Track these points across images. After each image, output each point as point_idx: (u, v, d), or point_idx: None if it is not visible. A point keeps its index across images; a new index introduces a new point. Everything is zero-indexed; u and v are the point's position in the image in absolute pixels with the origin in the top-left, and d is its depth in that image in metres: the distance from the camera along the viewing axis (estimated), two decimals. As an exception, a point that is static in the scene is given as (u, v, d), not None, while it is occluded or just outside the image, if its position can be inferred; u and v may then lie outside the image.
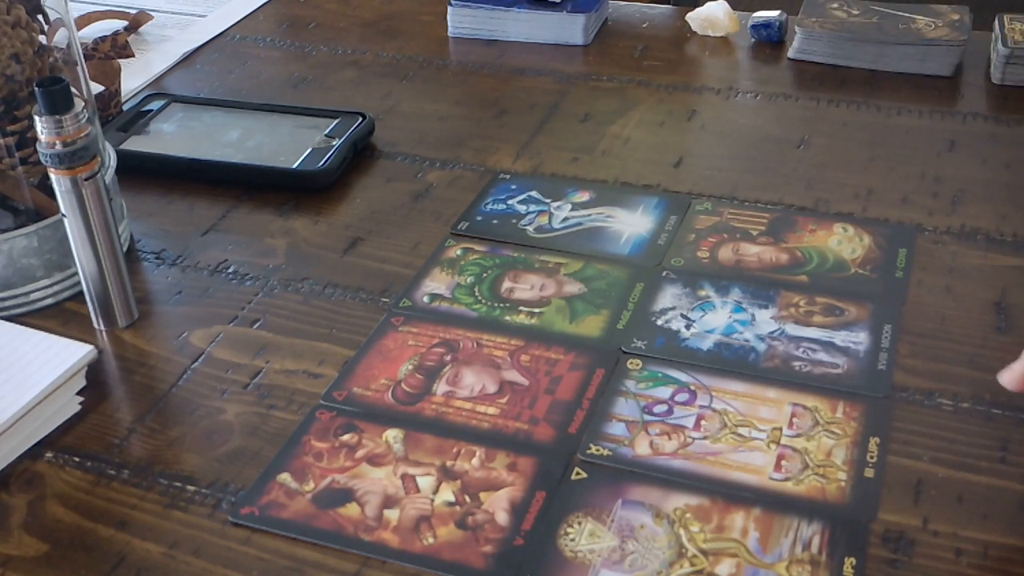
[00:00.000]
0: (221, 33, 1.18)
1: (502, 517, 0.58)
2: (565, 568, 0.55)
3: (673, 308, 0.73)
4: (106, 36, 1.10)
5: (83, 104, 0.68)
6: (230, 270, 0.79)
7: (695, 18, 1.13)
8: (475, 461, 0.62)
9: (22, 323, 0.71)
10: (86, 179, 0.68)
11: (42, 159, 0.67)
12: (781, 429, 0.63)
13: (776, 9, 1.11)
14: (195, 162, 0.90)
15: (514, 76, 1.07)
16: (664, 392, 0.66)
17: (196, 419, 0.66)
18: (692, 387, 0.66)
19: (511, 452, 0.62)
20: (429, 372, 0.68)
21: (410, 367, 0.69)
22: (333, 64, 1.10)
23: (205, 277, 0.79)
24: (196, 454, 0.64)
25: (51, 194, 0.70)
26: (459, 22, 1.15)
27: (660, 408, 0.65)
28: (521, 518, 0.58)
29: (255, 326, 0.74)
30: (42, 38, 0.75)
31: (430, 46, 1.14)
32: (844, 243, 0.79)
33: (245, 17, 1.22)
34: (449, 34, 1.15)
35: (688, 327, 0.71)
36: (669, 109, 1.00)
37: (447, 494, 0.60)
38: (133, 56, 1.10)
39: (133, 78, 1.07)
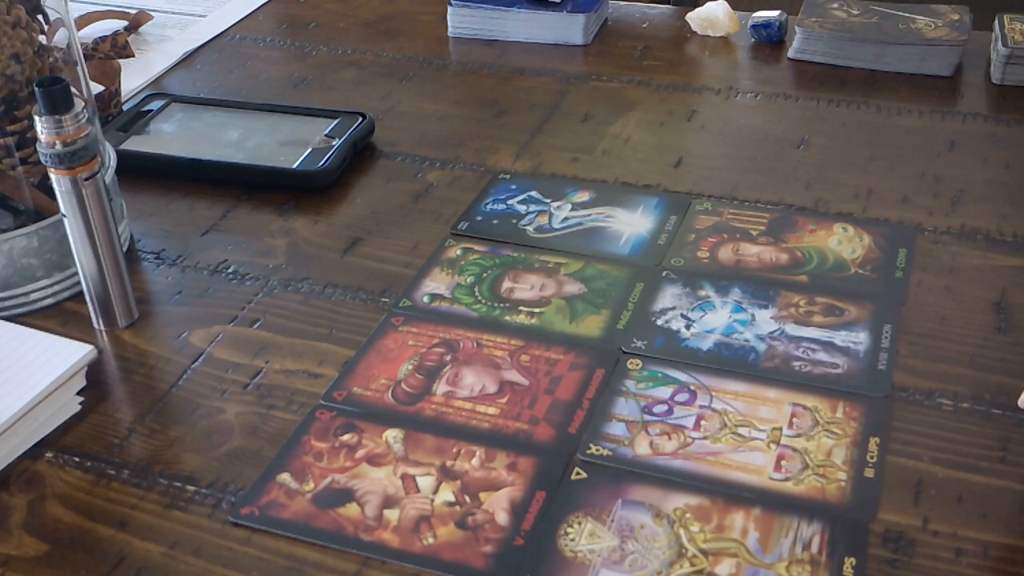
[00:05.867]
0: (221, 33, 1.18)
1: (502, 517, 0.58)
2: (565, 568, 0.55)
3: (673, 308, 0.73)
4: (106, 36, 1.10)
5: (83, 104, 0.68)
6: (230, 270, 0.79)
7: (695, 18, 1.13)
8: (475, 461, 0.62)
9: (22, 323, 0.71)
10: (86, 179, 0.68)
11: (42, 159, 0.67)
12: (781, 429, 0.63)
13: (776, 9, 1.11)
14: (195, 162, 0.90)
15: (514, 76, 1.07)
16: (664, 392, 0.66)
17: (196, 419, 0.66)
18: (692, 387, 0.66)
19: (511, 452, 0.62)
20: (429, 372, 0.68)
21: (410, 367, 0.69)
22: (333, 64, 1.10)
23: (205, 277, 0.79)
24: (196, 454, 0.64)
25: (51, 194, 0.70)
26: (459, 22, 1.15)
27: (660, 408, 0.65)
28: (521, 518, 0.58)
29: (255, 326, 0.74)
30: (42, 38, 0.75)
31: (430, 46, 1.14)
32: (844, 243, 0.79)
33: (245, 17, 1.22)
34: (449, 34, 1.15)
35: (688, 327, 0.71)
36: (669, 109, 1.00)
37: (447, 494, 0.60)
38: (133, 56, 1.10)
39: (133, 78, 1.07)
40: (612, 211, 0.84)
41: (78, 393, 0.67)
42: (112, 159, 0.81)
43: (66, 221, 0.70)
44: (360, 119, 0.94)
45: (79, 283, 0.73)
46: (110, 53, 1.08)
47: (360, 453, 0.63)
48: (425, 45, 1.14)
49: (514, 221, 0.83)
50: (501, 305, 0.74)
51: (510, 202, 0.85)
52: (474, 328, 0.72)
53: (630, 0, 1.27)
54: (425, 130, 0.97)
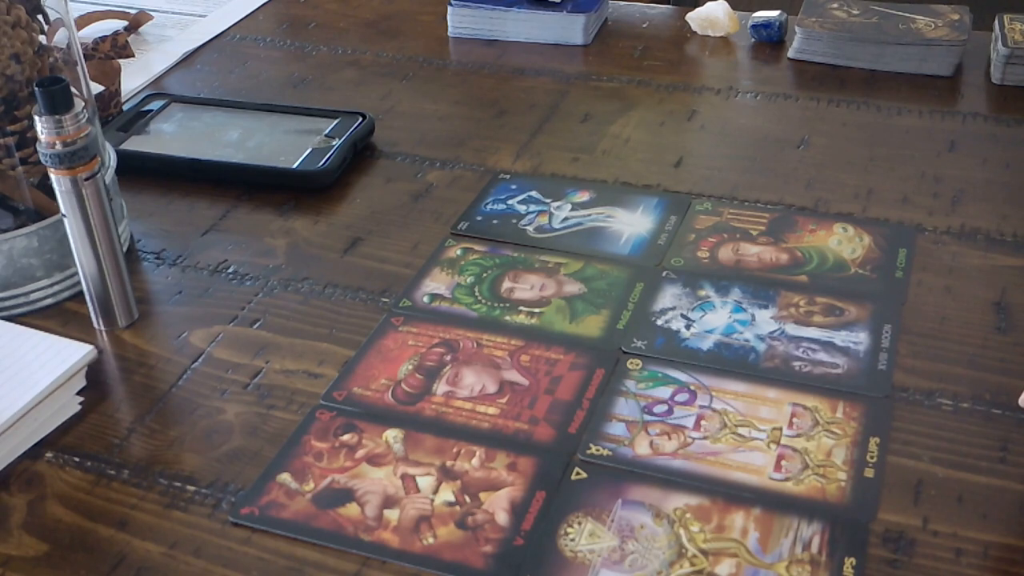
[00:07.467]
0: (221, 33, 1.18)
1: (502, 517, 0.58)
2: (565, 568, 0.55)
3: (673, 308, 0.73)
4: (106, 36, 1.10)
5: (83, 104, 0.68)
6: (230, 270, 0.79)
7: (695, 18, 1.13)
8: (475, 461, 0.62)
9: (22, 323, 0.71)
10: (86, 179, 0.68)
11: (42, 159, 0.67)
12: (781, 429, 0.63)
13: (776, 9, 1.11)
14: (195, 162, 0.90)
15: (514, 76, 1.07)
16: (664, 392, 0.66)
17: (196, 419, 0.66)
18: (692, 387, 0.66)
19: (511, 452, 0.62)
20: (429, 372, 0.68)
21: (410, 367, 0.69)
22: (333, 64, 1.10)
23: (205, 277, 0.79)
24: (196, 454, 0.64)
25: (51, 194, 0.70)
26: (459, 22, 1.15)
27: (660, 408, 0.65)
28: (521, 518, 0.58)
29: (255, 326, 0.74)
30: (42, 38, 0.75)
31: (430, 46, 1.14)
32: (844, 243, 0.79)
33: (245, 17, 1.22)
34: (449, 34, 1.15)
35: (688, 327, 0.71)
36: (669, 109, 1.00)
37: (447, 494, 0.60)
38: (133, 56, 1.10)
39: (133, 78, 1.07)
40: (612, 211, 0.84)
41: (78, 393, 0.67)
42: (112, 159, 0.81)
43: (66, 221, 0.70)
44: (360, 119, 0.94)
45: (79, 283, 0.73)
46: (110, 53, 1.08)
47: (360, 453, 0.63)
48: (425, 45, 1.14)
49: (514, 221, 0.83)
50: (501, 305, 0.74)
51: (510, 202, 0.85)
52: (474, 328, 0.72)
53: (630, 0, 1.27)
54: (425, 130, 0.97)
